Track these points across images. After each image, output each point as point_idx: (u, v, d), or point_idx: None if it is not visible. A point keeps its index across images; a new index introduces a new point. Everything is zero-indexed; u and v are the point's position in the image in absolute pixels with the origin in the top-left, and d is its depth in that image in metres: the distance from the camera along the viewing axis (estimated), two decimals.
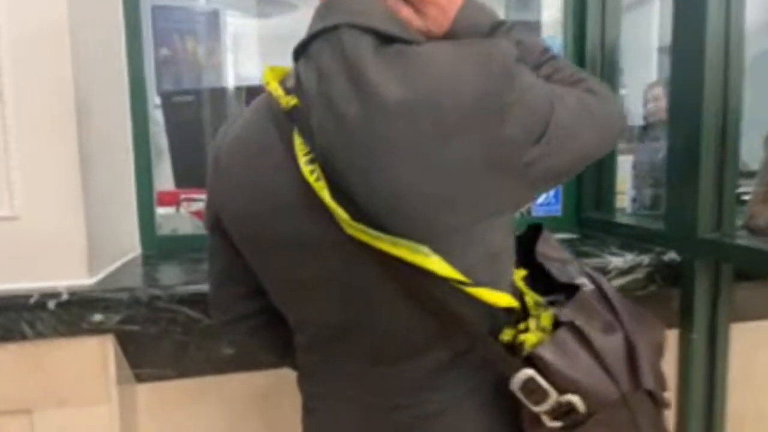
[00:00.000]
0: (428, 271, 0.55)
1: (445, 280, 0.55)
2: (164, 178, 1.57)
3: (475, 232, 0.57)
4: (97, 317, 0.95)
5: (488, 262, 0.60)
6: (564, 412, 0.58)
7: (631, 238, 1.25)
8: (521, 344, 0.59)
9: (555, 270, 0.68)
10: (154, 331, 0.98)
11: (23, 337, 0.93)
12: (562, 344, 0.58)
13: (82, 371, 0.99)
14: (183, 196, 1.60)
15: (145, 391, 1.15)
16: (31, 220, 0.97)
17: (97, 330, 0.96)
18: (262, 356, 0.84)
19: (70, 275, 0.99)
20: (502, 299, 0.58)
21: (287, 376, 1.26)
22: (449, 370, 0.62)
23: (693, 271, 1.05)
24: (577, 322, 0.58)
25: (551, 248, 0.72)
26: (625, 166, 1.53)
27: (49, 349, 0.96)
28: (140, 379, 1.13)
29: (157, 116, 1.56)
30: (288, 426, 1.24)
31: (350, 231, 0.55)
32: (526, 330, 0.60)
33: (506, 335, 0.60)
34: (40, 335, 0.94)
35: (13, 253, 0.97)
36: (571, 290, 0.65)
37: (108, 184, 1.14)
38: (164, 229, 1.41)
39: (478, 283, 0.57)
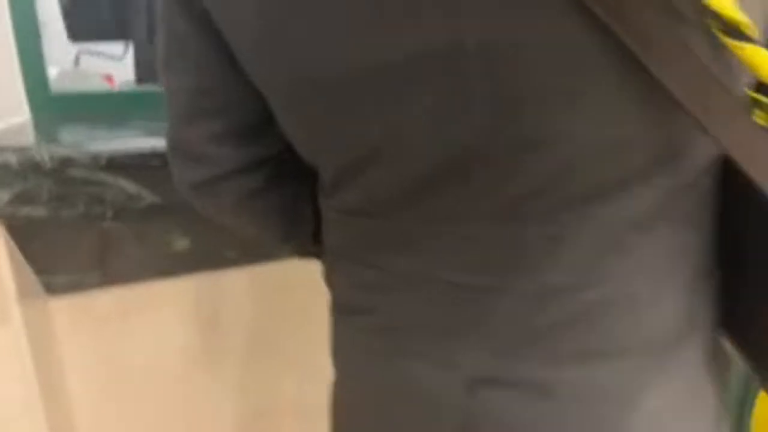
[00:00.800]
0: None
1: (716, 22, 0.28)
2: None
3: None
4: None
5: None
6: None
7: None
8: None
9: None
10: (69, 216, 0.65)
11: None
12: None
13: None
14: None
15: (62, 306, 0.82)
16: None
17: None
18: (263, 234, 0.54)
19: None
20: None
21: (259, 274, 0.97)
22: (656, 218, 0.36)
23: None
24: None
25: None
26: None
27: None
28: (52, 289, 0.80)
29: None
30: (258, 341, 0.97)
31: None
32: None
33: (760, 119, 0.34)
34: None
35: None
36: None
37: None
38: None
39: None
